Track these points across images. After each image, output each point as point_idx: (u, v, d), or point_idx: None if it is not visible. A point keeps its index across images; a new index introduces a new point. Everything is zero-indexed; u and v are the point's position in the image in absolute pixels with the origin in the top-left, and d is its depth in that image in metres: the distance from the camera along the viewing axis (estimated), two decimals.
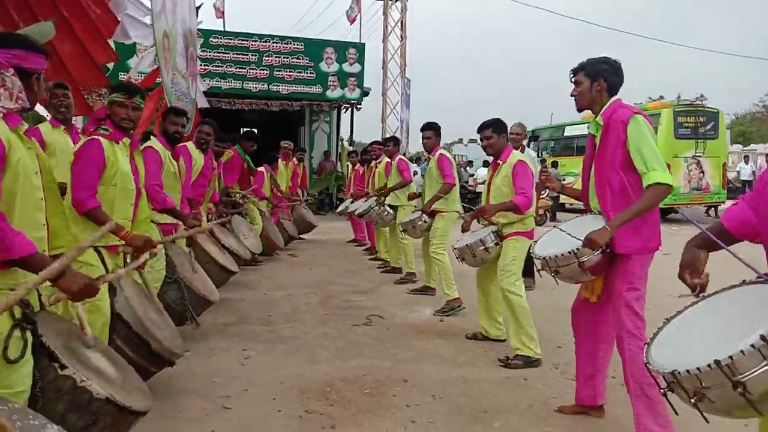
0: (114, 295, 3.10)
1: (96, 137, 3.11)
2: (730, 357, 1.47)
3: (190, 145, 5.37)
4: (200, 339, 4.63)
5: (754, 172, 21.69)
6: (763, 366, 1.45)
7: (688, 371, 1.55)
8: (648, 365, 1.75)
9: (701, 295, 1.91)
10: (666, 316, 1.93)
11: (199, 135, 5.52)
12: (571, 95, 3.10)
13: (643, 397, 2.78)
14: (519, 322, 4.20)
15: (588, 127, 3.12)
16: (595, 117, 3.02)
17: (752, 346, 1.45)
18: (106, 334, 3.00)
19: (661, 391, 1.71)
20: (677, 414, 1.79)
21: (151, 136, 4.38)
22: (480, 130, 4.60)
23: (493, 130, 4.50)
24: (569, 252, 2.84)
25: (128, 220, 3.29)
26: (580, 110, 3.15)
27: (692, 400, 1.59)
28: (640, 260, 2.88)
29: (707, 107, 15.05)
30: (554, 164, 16.91)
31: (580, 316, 3.24)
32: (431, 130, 6.19)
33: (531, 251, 3.16)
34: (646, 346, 1.85)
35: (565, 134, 19.52)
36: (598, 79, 2.99)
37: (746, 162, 23.07)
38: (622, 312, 2.87)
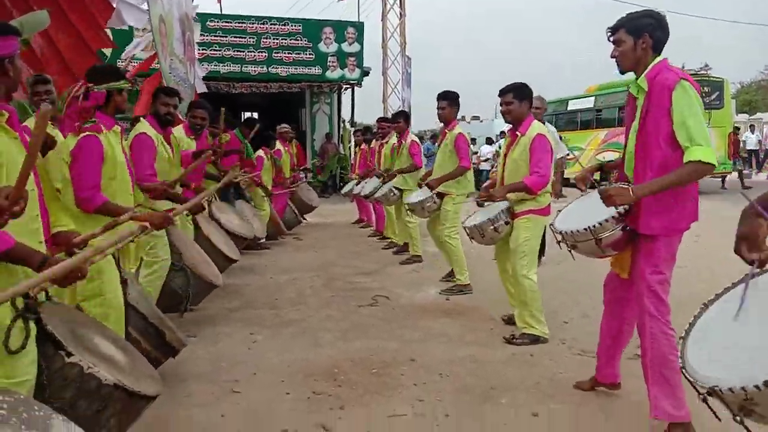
0: (126, 288, 3.12)
1: (91, 133, 3.03)
2: None
3: (178, 130, 5.15)
4: (206, 324, 4.64)
5: (760, 141, 21.51)
6: None
7: (731, 390, 1.42)
8: (684, 370, 1.62)
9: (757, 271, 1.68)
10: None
11: (193, 120, 5.33)
12: (612, 56, 2.79)
13: (663, 382, 2.69)
14: (527, 305, 4.11)
15: (629, 88, 2.84)
16: (637, 78, 2.75)
17: None
18: (122, 326, 3.01)
19: (700, 396, 1.56)
20: (719, 420, 1.62)
21: (141, 119, 4.21)
22: (501, 94, 4.24)
23: (514, 95, 4.15)
24: (585, 228, 2.73)
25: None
26: (623, 72, 2.83)
27: (737, 418, 1.46)
28: (667, 241, 2.70)
29: (712, 77, 14.88)
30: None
31: (612, 292, 3.09)
32: (446, 99, 5.67)
33: (551, 224, 3.05)
34: (681, 341, 1.70)
35: (569, 108, 19.36)
36: (643, 35, 2.68)
37: (752, 131, 22.84)
38: (645, 295, 2.73)
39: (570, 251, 2.92)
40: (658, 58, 2.72)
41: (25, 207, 1.71)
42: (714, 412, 1.61)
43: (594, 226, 2.70)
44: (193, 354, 3.88)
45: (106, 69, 3.35)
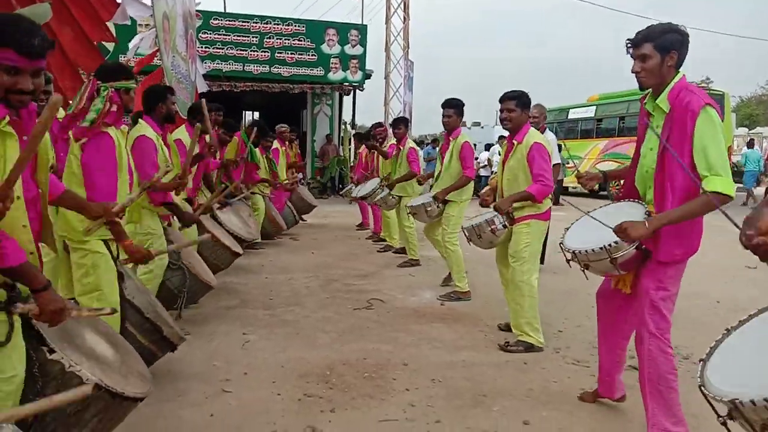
0: (123, 282, 3.10)
1: (106, 131, 3.04)
2: None
3: (182, 131, 5.30)
4: (201, 323, 4.63)
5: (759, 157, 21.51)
6: None
7: (753, 402, 1.37)
8: (702, 388, 1.57)
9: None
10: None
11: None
12: (635, 72, 2.63)
13: (660, 398, 2.65)
14: (524, 311, 4.09)
15: (644, 104, 2.72)
16: (656, 98, 2.63)
17: None
18: (118, 321, 2.98)
19: (720, 419, 1.51)
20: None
21: (140, 120, 4.19)
22: (502, 100, 4.19)
23: (516, 104, 4.12)
24: (601, 248, 2.62)
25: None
26: (644, 89, 2.68)
27: None
28: (678, 264, 2.66)
29: (712, 90, 14.94)
30: (558, 148, 16.79)
31: (607, 304, 3.04)
32: (452, 108, 5.61)
33: (561, 243, 2.92)
34: (701, 363, 1.66)
35: (569, 117, 19.40)
36: (671, 52, 2.54)
37: (751, 146, 22.91)
38: (646, 311, 2.66)
39: (583, 270, 2.81)
40: (678, 76, 2.60)
41: (9, 207, 1.66)
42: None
43: (610, 246, 2.60)
44: (187, 352, 3.86)
45: (115, 67, 3.32)
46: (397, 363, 3.85)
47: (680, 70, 2.61)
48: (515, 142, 4.15)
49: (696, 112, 2.46)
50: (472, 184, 5.75)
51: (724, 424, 1.51)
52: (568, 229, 3.02)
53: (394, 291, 5.89)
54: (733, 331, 1.71)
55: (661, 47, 2.55)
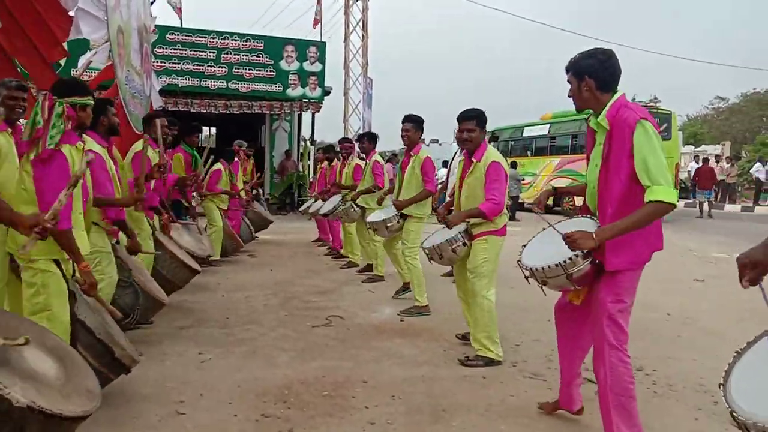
0: (74, 302, 3.00)
1: (60, 150, 2.95)
2: None
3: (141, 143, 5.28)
4: (155, 343, 4.51)
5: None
6: None
7: None
8: (734, 414, 1.59)
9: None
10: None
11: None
12: (568, 96, 2.84)
13: (621, 409, 2.67)
14: (484, 325, 4.12)
15: (588, 121, 2.85)
16: (597, 117, 2.74)
17: None
18: (67, 341, 2.89)
19: None
20: None
21: (84, 134, 4.09)
22: (461, 120, 4.23)
23: (476, 123, 4.17)
24: (557, 264, 2.67)
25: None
26: (579, 111, 2.86)
27: None
28: (631, 273, 2.70)
29: (660, 109, 15.49)
30: (513, 165, 17.13)
31: (564, 315, 3.11)
32: (411, 122, 5.66)
33: (518, 261, 2.95)
34: (722, 387, 1.70)
35: (524, 135, 19.81)
36: (585, 78, 2.71)
37: (697, 162, 23.90)
38: (604, 323, 2.68)
39: (541, 287, 2.87)
40: (616, 95, 2.71)
41: None
42: None
43: (565, 262, 2.65)
44: (140, 374, 3.74)
45: (71, 84, 3.24)
46: (357, 380, 3.82)
47: (617, 90, 2.72)
48: (474, 160, 4.19)
49: (632, 126, 2.55)
50: (429, 201, 5.82)
51: None
52: (525, 246, 3.06)
53: (353, 307, 5.86)
54: (744, 352, 1.75)
55: (576, 74, 2.74)
